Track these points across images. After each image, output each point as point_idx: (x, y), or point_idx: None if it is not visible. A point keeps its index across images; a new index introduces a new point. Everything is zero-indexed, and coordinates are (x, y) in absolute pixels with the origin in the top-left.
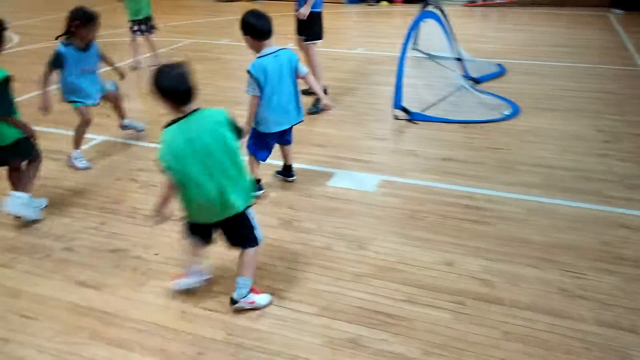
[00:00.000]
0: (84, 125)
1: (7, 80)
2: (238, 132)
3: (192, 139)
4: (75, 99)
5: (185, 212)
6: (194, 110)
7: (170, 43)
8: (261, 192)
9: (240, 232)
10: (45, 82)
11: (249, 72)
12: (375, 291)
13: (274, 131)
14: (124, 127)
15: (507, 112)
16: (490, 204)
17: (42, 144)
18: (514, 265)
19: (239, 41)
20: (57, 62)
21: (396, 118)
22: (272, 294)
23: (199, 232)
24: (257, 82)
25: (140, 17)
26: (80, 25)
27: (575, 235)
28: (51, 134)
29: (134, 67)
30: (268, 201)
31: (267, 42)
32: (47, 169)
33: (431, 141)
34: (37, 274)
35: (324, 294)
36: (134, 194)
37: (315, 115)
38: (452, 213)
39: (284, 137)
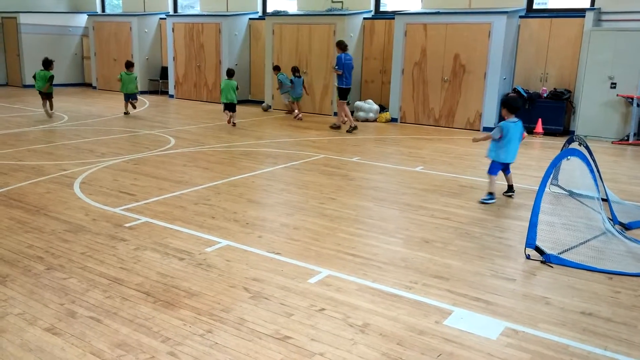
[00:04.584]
0: None
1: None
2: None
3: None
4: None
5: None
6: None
7: (307, 156)
8: (492, 201)
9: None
10: None
11: (500, 125)
12: None
13: (502, 161)
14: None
15: None
16: None
17: (172, 243)
18: None
19: (369, 160)
20: None
21: (528, 258)
22: None
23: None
24: (501, 132)
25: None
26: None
27: None
28: (181, 233)
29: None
30: (375, 332)
31: (513, 115)
32: (170, 267)
33: (568, 289)
34: None
35: None
36: (243, 303)
37: (438, 245)
38: None
39: (507, 169)
